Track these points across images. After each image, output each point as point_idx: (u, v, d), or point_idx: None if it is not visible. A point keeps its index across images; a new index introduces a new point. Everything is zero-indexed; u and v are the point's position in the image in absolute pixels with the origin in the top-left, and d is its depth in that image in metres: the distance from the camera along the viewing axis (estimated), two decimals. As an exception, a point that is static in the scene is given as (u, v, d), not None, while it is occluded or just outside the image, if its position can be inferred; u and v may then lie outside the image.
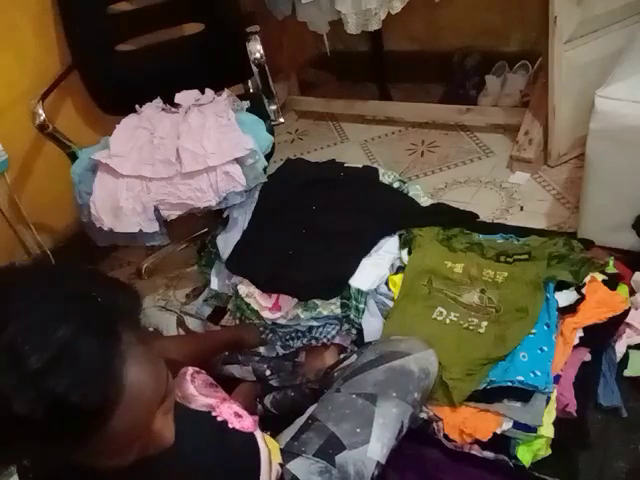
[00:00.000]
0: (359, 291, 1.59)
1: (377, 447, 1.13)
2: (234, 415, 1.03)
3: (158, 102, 1.96)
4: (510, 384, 1.36)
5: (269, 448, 1.07)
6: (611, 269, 1.61)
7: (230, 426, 1.01)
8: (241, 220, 1.86)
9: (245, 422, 1.04)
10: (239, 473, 0.97)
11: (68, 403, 0.61)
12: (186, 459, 0.85)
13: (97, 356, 0.63)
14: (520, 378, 1.35)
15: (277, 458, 1.09)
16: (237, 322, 1.70)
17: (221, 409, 1.01)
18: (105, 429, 0.64)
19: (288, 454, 1.12)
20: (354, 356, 1.35)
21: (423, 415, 1.37)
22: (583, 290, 1.52)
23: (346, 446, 1.12)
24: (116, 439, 0.66)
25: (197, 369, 1.10)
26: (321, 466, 1.10)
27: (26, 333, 0.62)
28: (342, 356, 1.50)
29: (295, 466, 1.10)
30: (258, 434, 1.06)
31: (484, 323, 1.53)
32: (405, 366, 1.25)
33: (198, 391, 1.02)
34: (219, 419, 1.00)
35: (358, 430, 1.15)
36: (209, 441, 0.92)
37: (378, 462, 1.13)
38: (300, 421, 1.21)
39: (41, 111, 1.83)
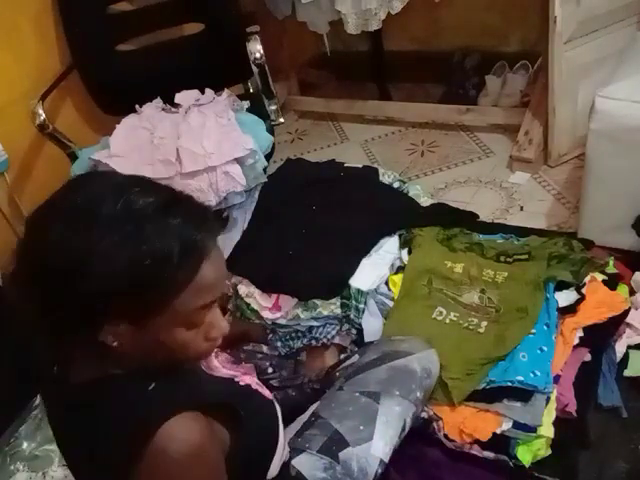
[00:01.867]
0: (359, 291, 1.59)
1: (380, 444, 1.14)
2: (255, 384, 1.06)
3: (158, 102, 1.96)
4: (510, 384, 1.36)
5: None
6: (611, 269, 1.61)
7: (253, 387, 1.04)
8: (241, 220, 1.86)
9: (265, 391, 1.08)
10: (260, 431, 0.99)
11: (187, 237, 0.78)
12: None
13: (201, 209, 0.85)
14: (520, 378, 1.35)
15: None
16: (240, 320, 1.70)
17: (243, 378, 1.05)
18: (203, 268, 0.79)
19: (292, 450, 1.13)
20: (356, 356, 1.35)
21: (423, 415, 1.37)
22: (583, 290, 1.53)
23: (349, 443, 1.13)
24: (200, 294, 0.80)
25: (218, 349, 1.12)
26: (325, 462, 1.11)
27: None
28: (343, 356, 1.50)
29: (299, 462, 1.11)
30: (277, 405, 1.08)
31: (484, 323, 1.53)
32: (408, 365, 1.26)
33: (222, 365, 1.06)
34: (242, 383, 1.03)
35: (361, 427, 1.15)
36: (233, 399, 0.94)
37: (381, 460, 1.13)
38: (303, 418, 1.22)
39: (41, 111, 1.84)
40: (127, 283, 0.75)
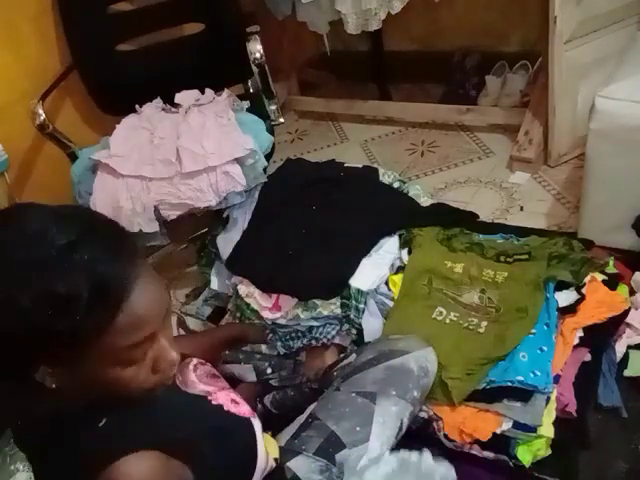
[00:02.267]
0: (359, 291, 1.59)
1: (377, 445, 1.14)
2: (230, 401, 1.03)
3: (158, 102, 1.96)
4: (510, 384, 1.36)
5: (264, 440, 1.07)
6: (611, 269, 1.61)
7: (225, 409, 1.01)
8: (241, 220, 1.86)
9: (242, 408, 1.04)
10: (233, 454, 0.96)
11: (98, 275, 0.70)
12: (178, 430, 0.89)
13: (117, 238, 0.77)
14: (520, 378, 1.35)
15: (273, 453, 1.09)
16: (237, 322, 1.70)
17: (217, 395, 1.01)
18: (126, 306, 0.72)
19: (288, 452, 1.12)
20: (353, 355, 1.35)
21: (423, 414, 1.37)
22: (583, 290, 1.52)
23: (346, 444, 1.13)
24: (127, 333, 0.73)
25: (202, 360, 1.10)
26: (321, 464, 1.10)
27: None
28: (341, 355, 1.50)
29: (295, 464, 1.10)
30: (255, 421, 1.05)
31: (484, 323, 1.53)
32: (404, 364, 1.26)
33: (199, 379, 1.03)
34: (214, 402, 1.00)
35: (358, 429, 1.15)
36: (200, 426, 0.92)
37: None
38: (300, 420, 1.21)
39: (41, 111, 1.83)
40: (38, 332, 0.70)
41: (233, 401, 1.03)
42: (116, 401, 0.81)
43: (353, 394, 1.20)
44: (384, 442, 1.15)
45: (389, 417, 1.18)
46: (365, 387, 1.21)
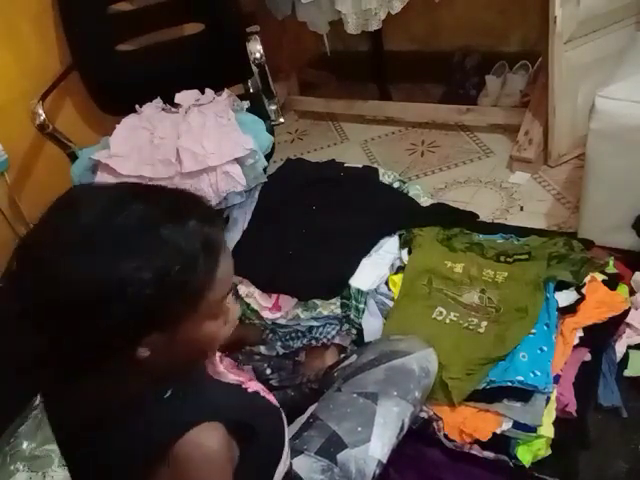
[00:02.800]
0: (359, 291, 1.59)
1: (378, 445, 1.14)
2: (262, 390, 1.05)
3: (158, 102, 1.96)
4: (510, 384, 1.36)
5: None
6: (611, 269, 1.61)
7: (262, 394, 1.03)
8: (241, 220, 1.86)
9: (272, 398, 1.06)
10: (267, 440, 0.97)
11: (205, 235, 0.78)
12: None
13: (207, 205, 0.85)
14: (520, 378, 1.35)
15: None
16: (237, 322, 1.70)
17: (249, 384, 1.04)
18: (221, 261, 0.80)
19: (290, 452, 1.12)
20: (354, 356, 1.35)
21: (423, 415, 1.37)
22: (583, 290, 1.53)
23: (347, 444, 1.13)
24: (222, 286, 0.81)
25: (222, 354, 1.10)
26: (323, 464, 1.11)
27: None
28: (342, 356, 1.50)
29: (297, 464, 1.11)
30: (282, 411, 1.07)
31: (484, 323, 1.53)
32: (406, 365, 1.26)
33: (227, 369, 1.04)
34: (249, 390, 1.02)
35: (359, 429, 1.15)
36: (245, 411, 0.94)
37: (379, 461, 1.13)
38: (301, 420, 1.22)
39: (41, 111, 1.84)
40: (157, 298, 0.74)
41: (264, 390, 1.06)
42: (183, 373, 0.85)
43: (354, 395, 1.21)
44: (385, 442, 1.15)
45: (390, 417, 1.18)
46: (366, 388, 1.21)
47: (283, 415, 1.05)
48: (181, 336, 0.80)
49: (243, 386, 1.01)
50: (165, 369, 0.83)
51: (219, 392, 0.94)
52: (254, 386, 1.03)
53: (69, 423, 0.88)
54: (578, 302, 1.50)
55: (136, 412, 0.82)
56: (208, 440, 0.80)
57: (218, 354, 1.05)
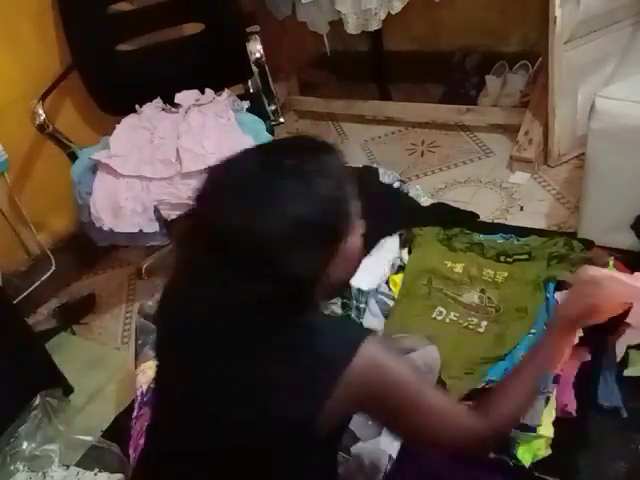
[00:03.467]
0: (360, 291, 1.59)
1: (388, 440, 1.16)
2: None
3: (158, 102, 1.96)
4: (510, 384, 1.36)
5: None
6: (611, 269, 1.61)
7: None
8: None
9: None
10: None
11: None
12: None
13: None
14: (519, 378, 1.35)
15: None
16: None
17: None
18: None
19: None
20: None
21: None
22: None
23: (360, 438, 1.16)
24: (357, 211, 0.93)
25: None
26: (339, 457, 1.11)
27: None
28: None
29: None
30: None
31: (484, 323, 1.54)
32: (409, 360, 1.26)
33: None
34: None
35: (369, 423, 1.17)
36: None
37: (390, 456, 1.14)
38: None
39: (41, 111, 1.83)
40: (339, 220, 0.87)
41: None
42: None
43: None
44: (394, 438, 1.16)
45: None
46: None
47: None
48: (346, 250, 0.89)
49: None
50: (337, 284, 0.93)
51: None
52: None
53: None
54: (577, 302, 1.50)
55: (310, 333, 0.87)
56: (379, 348, 0.86)
57: None
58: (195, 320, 0.88)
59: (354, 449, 1.14)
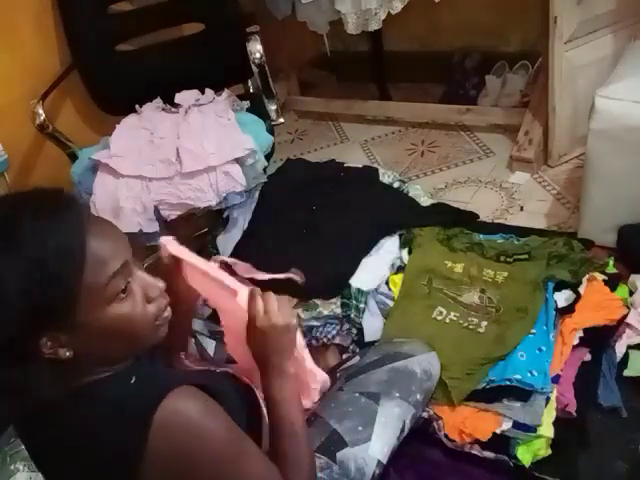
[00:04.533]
0: (359, 291, 1.59)
1: (378, 445, 1.14)
2: (231, 369, 1.07)
3: (158, 102, 1.96)
4: (508, 383, 1.36)
5: None
6: (611, 269, 1.61)
7: (231, 372, 1.04)
8: (241, 220, 1.86)
9: (247, 380, 1.07)
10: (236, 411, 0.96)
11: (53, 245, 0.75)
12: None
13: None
14: (517, 377, 1.35)
15: None
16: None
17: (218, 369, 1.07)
18: (86, 259, 0.77)
19: None
20: (357, 357, 1.35)
21: (423, 414, 1.37)
22: (579, 289, 1.53)
23: (348, 443, 1.14)
24: (100, 268, 0.78)
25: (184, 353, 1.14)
26: (322, 462, 1.11)
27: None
28: (345, 356, 1.50)
29: None
30: (257, 392, 1.07)
31: (484, 323, 1.53)
32: (408, 367, 1.26)
33: (193, 364, 1.09)
34: (218, 370, 1.04)
35: (360, 428, 1.16)
36: (209, 381, 0.93)
37: (379, 460, 1.13)
38: None
39: (41, 111, 1.83)
40: (32, 296, 0.74)
41: (234, 370, 1.07)
42: (133, 351, 0.87)
43: (357, 394, 1.21)
44: (385, 443, 1.15)
45: (391, 418, 1.18)
46: (369, 388, 1.22)
47: (258, 393, 1.05)
48: (88, 327, 0.79)
49: (211, 368, 1.03)
50: (104, 357, 0.84)
51: (183, 373, 0.98)
52: (223, 368, 1.05)
53: (41, 438, 0.87)
54: (575, 301, 1.50)
55: (104, 402, 0.82)
56: (186, 402, 0.80)
57: (182, 354, 1.09)
58: None
59: (340, 455, 1.12)
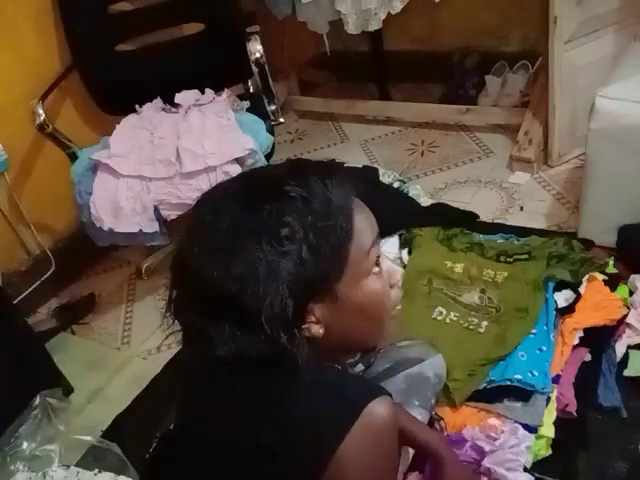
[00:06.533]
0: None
1: (405, 459, 1.12)
2: None
3: (158, 102, 1.96)
4: (509, 383, 1.36)
5: None
6: (611, 269, 1.61)
7: None
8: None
9: None
10: None
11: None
12: None
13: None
14: (518, 377, 1.35)
15: None
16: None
17: None
18: (354, 229, 0.78)
19: None
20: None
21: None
22: (580, 289, 1.53)
23: None
24: (363, 238, 0.79)
25: None
26: None
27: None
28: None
29: None
30: None
31: (484, 323, 1.53)
32: (422, 373, 1.25)
33: None
34: None
35: None
36: None
37: (405, 474, 1.12)
38: None
39: (41, 111, 1.83)
40: (305, 264, 0.74)
41: None
42: (372, 341, 0.87)
43: None
44: (409, 455, 1.14)
45: None
46: None
47: None
48: (345, 302, 0.78)
49: None
50: (347, 343, 0.83)
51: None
52: None
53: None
54: (575, 301, 1.50)
55: (319, 387, 0.78)
56: (386, 411, 0.77)
57: None
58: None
59: None
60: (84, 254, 2.21)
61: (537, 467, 1.30)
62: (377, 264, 0.82)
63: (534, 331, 1.46)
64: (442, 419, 1.37)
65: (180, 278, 0.81)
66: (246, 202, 0.77)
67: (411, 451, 1.12)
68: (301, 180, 0.77)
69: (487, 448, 1.27)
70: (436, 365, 1.29)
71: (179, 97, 1.92)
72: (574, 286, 1.54)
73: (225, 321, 0.74)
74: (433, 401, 1.25)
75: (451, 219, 1.86)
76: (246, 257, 0.73)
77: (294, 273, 0.73)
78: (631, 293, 1.56)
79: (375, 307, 0.82)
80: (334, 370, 0.84)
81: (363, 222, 0.80)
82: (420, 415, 1.19)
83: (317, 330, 0.77)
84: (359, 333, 0.84)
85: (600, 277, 1.57)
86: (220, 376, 0.81)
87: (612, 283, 1.56)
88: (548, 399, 1.35)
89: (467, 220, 1.90)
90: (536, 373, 1.36)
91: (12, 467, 1.53)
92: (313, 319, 0.77)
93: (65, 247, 2.20)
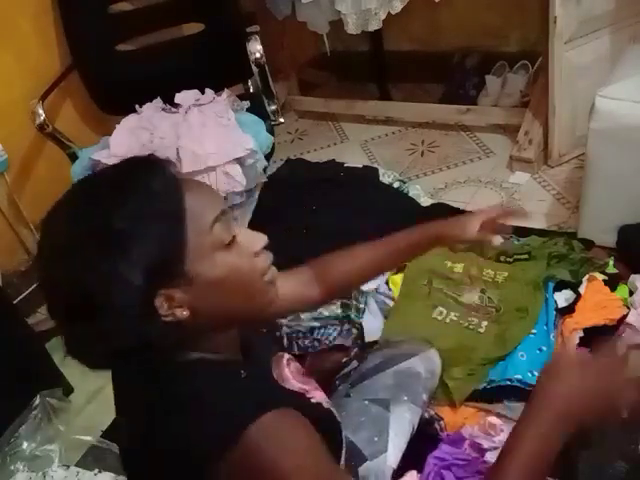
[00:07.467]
0: (360, 291, 1.59)
1: (393, 455, 1.13)
2: (325, 402, 0.99)
3: (158, 102, 1.96)
4: (509, 383, 1.36)
5: None
6: (611, 269, 1.61)
7: (325, 407, 0.97)
8: (241, 220, 1.86)
9: (335, 412, 1.01)
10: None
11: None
12: None
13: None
14: (518, 376, 1.36)
15: None
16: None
17: (315, 394, 0.98)
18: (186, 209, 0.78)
19: None
20: (354, 363, 1.34)
21: (425, 415, 1.37)
22: (580, 289, 1.53)
23: (367, 457, 1.11)
24: (202, 214, 0.79)
25: (291, 357, 1.05)
26: None
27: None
28: (343, 361, 1.49)
29: None
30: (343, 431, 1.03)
31: (484, 323, 1.53)
32: (412, 368, 1.26)
33: (292, 376, 0.99)
34: (313, 400, 0.95)
35: (376, 439, 1.14)
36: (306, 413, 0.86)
37: (394, 469, 1.13)
38: None
39: (41, 111, 1.84)
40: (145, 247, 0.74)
41: (327, 402, 1.00)
42: (248, 315, 0.85)
43: (366, 402, 1.19)
44: (400, 449, 1.15)
45: (403, 424, 1.18)
46: (377, 394, 1.20)
47: (343, 436, 0.99)
48: (200, 280, 0.77)
49: (307, 395, 0.96)
50: (221, 318, 0.81)
51: (285, 392, 0.92)
52: (318, 396, 0.98)
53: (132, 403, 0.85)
54: (575, 301, 1.50)
55: (213, 386, 0.79)
56: (288, 421, 0.76)
57: (286, 356, 1.02)
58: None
59: (361, 470, 1.10)
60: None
61: (537, 467, 1.30)
62: (231, 240, 0.80)
63: (534, 331, 1.46)
64: (442, 419, 1.37)
65: (40, 289, 0.80)
66: (74, 208, 0.81)
67: None
68: (121, 176, 0.85)
69: (486, 445, 1.27)
70: (428, 360, 1.29)
71: (179, 97, 1.92)
72: (574, 286, 1.54)
73: (88, 322, 0.75)
74: (425, 397, 1.24)
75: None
76: (82, 261, 0.73)
77: (132, 265, 0.73)
78: (631, 293, 1.56)
79: (237, 279, 0.80)
80: (220, 363, 0.82)
81: (198, 200, 0.80)
82: (409, 410, 1.19)
83: (181, 313, 0.76)
84: (232, 306, 0.82)
85: (600, 277, 1.57)
86: (118, 371, 0.87)
87: (612, 283, 1.56)
88: (548, 399, 1.35)
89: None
90: (536, 373, 1.36)
91: (12, 467, 1.54)
92: (175, 304, 0.76)
93: (65, 247, 2.19)
